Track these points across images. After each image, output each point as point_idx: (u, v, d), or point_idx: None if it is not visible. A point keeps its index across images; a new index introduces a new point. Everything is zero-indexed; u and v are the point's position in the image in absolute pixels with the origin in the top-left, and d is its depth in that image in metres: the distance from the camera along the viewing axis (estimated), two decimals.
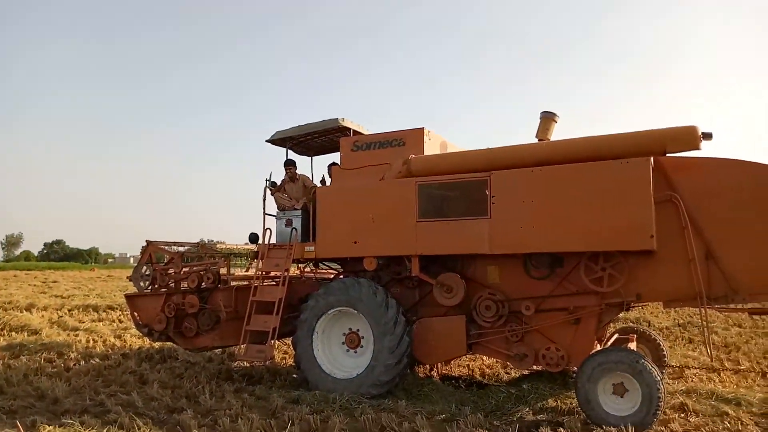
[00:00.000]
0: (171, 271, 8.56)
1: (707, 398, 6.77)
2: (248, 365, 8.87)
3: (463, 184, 6.82)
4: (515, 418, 6.25)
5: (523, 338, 6.81)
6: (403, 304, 7.32)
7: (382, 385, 6.93)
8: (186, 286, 8.31)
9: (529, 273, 6.81)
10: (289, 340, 8.68)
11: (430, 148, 7.54)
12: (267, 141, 8.66)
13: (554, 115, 7.32)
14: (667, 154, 6.15)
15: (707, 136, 6.03)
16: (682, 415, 6.23)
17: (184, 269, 8.47)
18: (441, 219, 6.88)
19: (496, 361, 8.88)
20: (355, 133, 8.12)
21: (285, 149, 8.78)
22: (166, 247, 8.93)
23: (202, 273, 8.16)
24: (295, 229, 7.96)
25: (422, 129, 7.47)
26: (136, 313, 8.53)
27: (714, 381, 7.86)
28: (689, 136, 6.01)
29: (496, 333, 6.91)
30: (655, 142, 6.11)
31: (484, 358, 9.10)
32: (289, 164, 8.49)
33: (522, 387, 7.20)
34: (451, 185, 6.90)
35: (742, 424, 5.89)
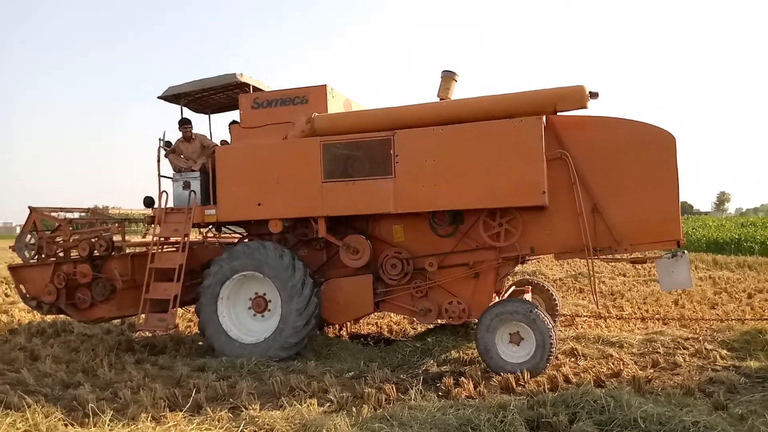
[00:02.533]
0: (59, 239, 7.98)
1: (594, 342, 7.36)
2: (150, 335, 8.54)
3: (367, 144, 6.80)
4: (420, 371, 6.49)
5: (427, 294, 7.02)
6: (310, 266, 7.28)
7: (291, 347, 6.92)
8: (77, 254, 7.79)
9: (434, 231, 6.97)
10: (192, 308, 8.42)
11: (334, 107, 7.41)
12: (159, 97, 8.13)
13: (454, 74, 7.39)
14: (558, 113, 6.43)
15: (594, 95, 6.35)
16: (573, 359, 6.74)
17: (73, 237, 7.91)
18: (346, 179, 6.84)
19: (403, 318, 9.13)
20: (255, 89, 7.80)
21: (180, 107, 8.30)
22: (53, 214, 8.29)
23: (93, 240, 7.67)
24: (194, 192, 7.60)
25: (325, 86, 7.31)
26: (22, 286, 7.93)
27: (601, 326, 8.55)
28: (577, 96, 6.31)
29: (402, 290, 7.07)
30: (547, 102, 6.36)
31: (392, 315, 9.32)
32: (185, 123, 8.03)
33: (427, 341, 7.46)
34: (355, 145, 6.86)
35: (623, 363, 6.47)
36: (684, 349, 7.04)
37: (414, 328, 8.77)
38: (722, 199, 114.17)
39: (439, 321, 7.35)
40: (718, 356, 6.59)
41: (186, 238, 7.40)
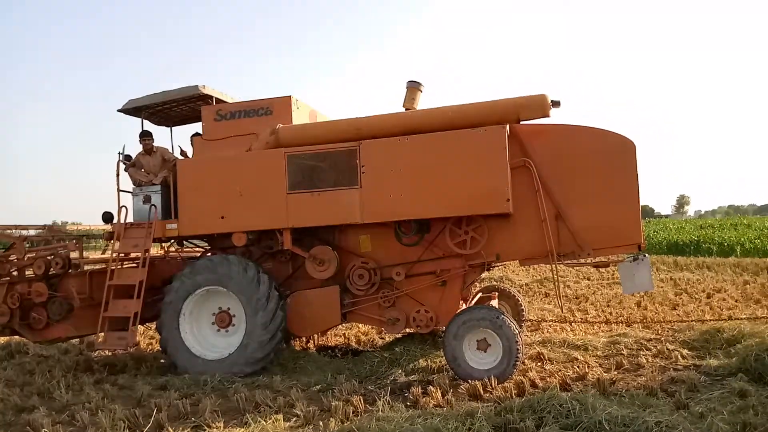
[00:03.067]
0: (13, 257, 7.69)
1: (560, 346, 7.44)
2: (110, 354, 8.28)
3: (333, 154, 6.76)
4: (388, 381, 6.44)
5: (394, 303, 6.99)
6: (276, 279, 7.18)
7: (256, 362, 6.79)
8: (32, 273, 7.51)
9: (400, 240, 6.96)
10: (153, 325, 8.20)
11: (299, 118, 7.37)
12: (119, 111, 7.96)
13: (420, 84, 7.44)
14: (521, 122, 6.52)
15: (556, 103, 6.47)
16: (539, 364, 6.80)
17: (28, 255, 7.64)
18: (312, 190, 6.79)
19: (372, 328, 9.08)
20: (218, 101, 7.70)
21: (140, 119, 8.13)
22: (8, 231, 8.00)
23: (49, 258, 7.41)
24: (155, 206, 7.42)
25: (290, 97, 7.28)
26: None
27: (566, 330, 8.66)
28: (540, 104, 6.42)
29: (369, 300, 7.02)
30: (510, 111, 6.46)
31: (360, 325, 9.26)
32: (145, 136, 7.87)
33: (395, 350, 7.43)
34: (320, 155, 6.81)
35: (588, 366, 6.55)
36: (647, 350, 7.18)
37: (382, 338, 8.72)
38: (682, 202, 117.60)
39: (407, 330, 7.33)
40: (679, 356, 6.74)
41: (146, 254, 7.22)
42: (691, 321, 8.69)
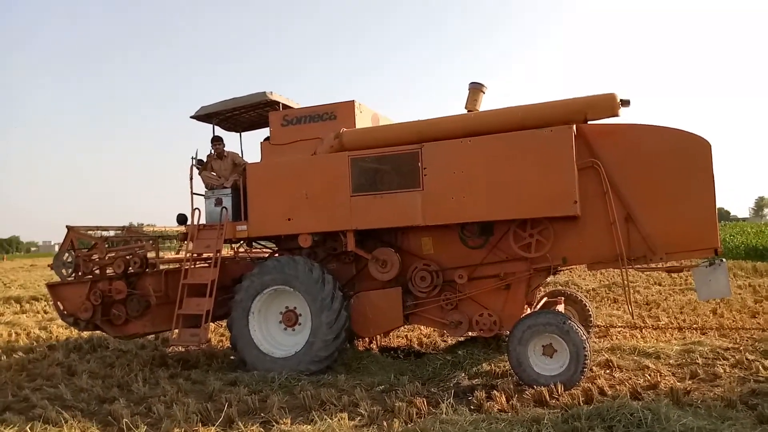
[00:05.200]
0: (95, 257, 8.18)
1: (630, 354, 7.19)
2: (183, 350, 8.67)
3: (395, 157, 6.82)
4: (451, 384, 6.42)
5: (457, 306, 6.96)
6: (340, 279, 7.31)
7: (321, 360, 6.93)
8: (112, 272, 7.97)
9: (464, 242, 6.92)
10: (224, 323, 8.52)
11: (362, 122, 7.48)
12: (192, 117, 8.34)
13: (482, 86, 7.39)
14: (588, 122, 6.35)
15: (625, 102, 6.25)
16: (608, 371, 6.59)
17: (109, 254, 8.10)
18: (375, 193, 6.87)
19: (434, 330, 9.07)
20: (285, 106, 7.93)
21: (212, 126, 8.49)
22: (90, 232, 8.51)
23: (128, 257, 7.84)
24: (226, 208, 7.74)
25: (353, 102, 7.40)
26: (59, 303, 8.13)
27: (636, 337, 8.35)
28: (608, 104, 6.23)
29: (432, 303, 7.03)
30: (577, 110, 6.30)
31: (422, 327, 9.27)
32: (216, 141, 8.21)
33: (458, 353, 7.39)
34: (383, 158, 6.89)
35: (660, 375, 6.29)
36: (724, 359, 6.82)
37: (444, 341, 8.70)
38: (761, 205, 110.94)
39: (470, 333, 7.28)
40: (760, 367, 6.34)
41: (218, 254, 7.51)
42: None
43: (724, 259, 6.27)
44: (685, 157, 6.05)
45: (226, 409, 5.54)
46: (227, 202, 7.80)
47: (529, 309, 7.27)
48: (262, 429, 5.05)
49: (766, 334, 7.97)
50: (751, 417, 4.73)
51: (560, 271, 7.96)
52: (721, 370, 6.34)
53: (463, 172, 6.47)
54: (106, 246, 8.22)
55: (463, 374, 6.80)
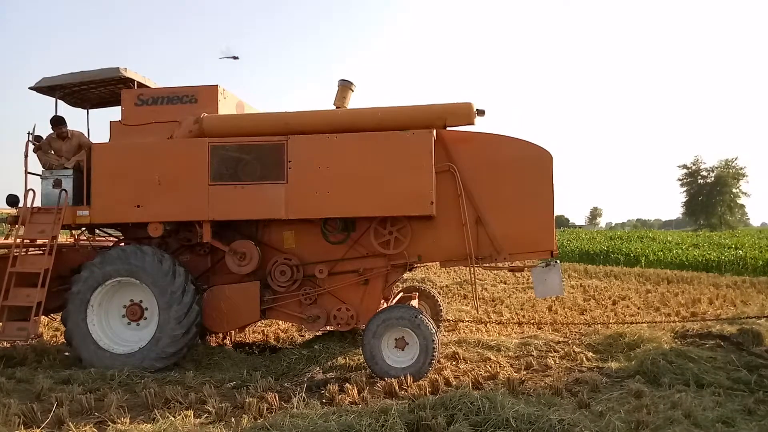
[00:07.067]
0: None
1: (475, 346, 7.67)
2: (9, 346, 7.75)
3: (260, 148, 6.66)
4: (305, 378, 6.42)
5: (316, 301, 6.97)
6: (193, 272, 6.98)
7: (169, 357, 6.57)
8: None
9: (325, 237, 6.94)
10: (59, 316, 7.75)
11: (225, 108, 7.20)
12: (32, 88, 7.48)
13: (351, 83, 7.46)
14: (447, 128, 6.68)
15: (481, 112, 6.68)
16: (454, 363, 6.98)
17: None
18: (236, 183, 6.64)
19: (291, 325, 9.00)
20: (140, 85, 7.39)
21: (54, 99, 7.67)
22: None
23: None
24: (65, 191, 7.03)
25: (216, 86, 7.09)
26: None
27: (481, 331, 8.95)
28: (466, 112, 6.61)
29: (291, 297, 6.96)
30: (437, 116, 6.61)
31: (280, 322, 9.16)
32: (59, 123, 7.39)
33: (314, 348, 7.40)
34: (246, 148, 6.68)
35: (500, 366, 6.79)
36: (555, 351, 7.54)
37: (302, 336, 8.67)
38: (595, 214, 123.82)
39: (328, 328, 7.32)
40: (584, 358, 7.12)
41: (54, 241, 6.82)
42: (597, 325, 9.21)
43: (558, 261, 6.94)
44: (529, 166, 6.59)
45: (56, 409, 5.05)
46: (68, 184, 7.08)
47: (385, 304, 7.47)
48: (95, 429, 4.66)
49: (592, 329, 8.93)
50: (573, 403, 5.28)
51: (416, 267, 8.29)
52: (552, 362, 7.00)
53: (329, 168, 6.49)
54: None
55: (318, 368, 6.82)
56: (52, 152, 7.39)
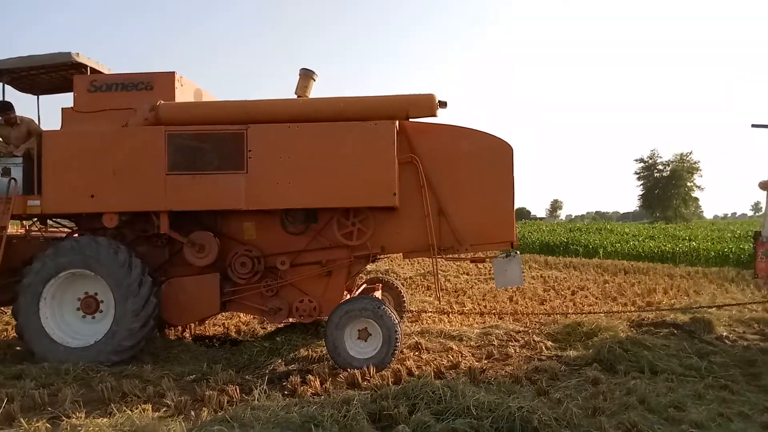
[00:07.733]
0: None
1: (437, 336, 7.74)
2: None
3: (219, 136, 6.52)
4: (267, 371, 6.35)
5: (277, 293, 6.89)
6: (150, 264, 6.80)
7: (125, 350, 6.40)
8: None
9: (286, 228, 6.87)
10: (9, 309, 7.46)
11: (183, 96, 7.02)
12: None
13: (313, 73, 7.37)
14: (410, 119, 6.67)
15: (442, 104, 6.68)
16: (417, 353, 7.02)
17: None
18: (194, 172, 6.49)
19: (253, 318, 8.90)
20: (93, 71, 7.14)
21: (1, 84, 7.33)
22: None
23: None
24: (15, 180, 6.75)
25: (173, 73, 6.91)
26: None
27: (444, 321, 9.03)
28: (427, 103, 6.59)
29: (252, 289, 6.86)
30: (400, 107, 6.58)
31: (241, 315, 9.04)
32: (6, 108, 7.09)
33: (276, 340, 7.34)
34: (205, 137, 6.54)
35: (462, 356, 6.87)
36: (515, 341, 7.66)
37: (264, 328, 8.57)
38: (555, 207, 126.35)
39: (290, 320, 7.26)
40: (543, 347, 7.26)
41: (3, 231, 6.55)
42: (556, 315, 9.40)
43: (518, 252, 7.04)
44: (490, 158, 6.65)
45: (6, 405, 4.87)
46: (17, 172, 6.80)
47: (348, 295, 7.45)
48: (49, 425, 4.51)
49: (551, 319, 9.11)
50: (532, 391, 5.38)
51: (379, 258, 8.29)
52: (512, 351, 7.11)
53: (290, 158, 6.41)
54: None
55: (280, 360, 6.76)
56: (0, 140, 7.08)
